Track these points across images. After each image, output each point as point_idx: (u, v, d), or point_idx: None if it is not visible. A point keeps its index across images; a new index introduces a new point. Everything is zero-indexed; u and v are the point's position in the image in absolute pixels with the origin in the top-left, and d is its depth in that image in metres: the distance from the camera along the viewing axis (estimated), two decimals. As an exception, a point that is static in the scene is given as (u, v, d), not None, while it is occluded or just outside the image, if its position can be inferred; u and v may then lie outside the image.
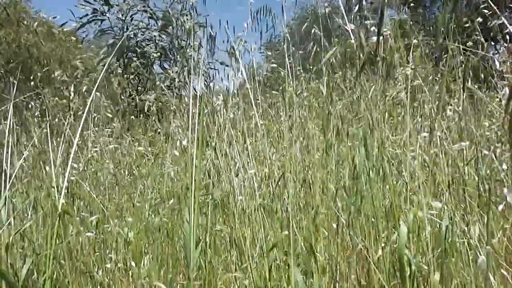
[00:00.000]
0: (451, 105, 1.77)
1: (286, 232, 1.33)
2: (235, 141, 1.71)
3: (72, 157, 1.95)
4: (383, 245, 1.32)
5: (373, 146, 1.36)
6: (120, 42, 6.02)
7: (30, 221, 1.60)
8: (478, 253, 1.20)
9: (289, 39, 2.14)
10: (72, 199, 1.84)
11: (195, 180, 0.81)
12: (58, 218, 0.78)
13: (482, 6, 1.94)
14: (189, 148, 1.66)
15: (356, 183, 1.41)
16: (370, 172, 1.31)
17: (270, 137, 2.17)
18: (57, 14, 11.46)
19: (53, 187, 1.42)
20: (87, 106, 0.97)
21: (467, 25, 2.02)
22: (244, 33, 2.00)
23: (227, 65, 2.04)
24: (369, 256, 1.38)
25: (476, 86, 1.98)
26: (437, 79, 2.04)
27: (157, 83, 5.26)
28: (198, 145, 0.81)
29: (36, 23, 6.84)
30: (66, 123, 1.89)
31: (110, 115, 2.48)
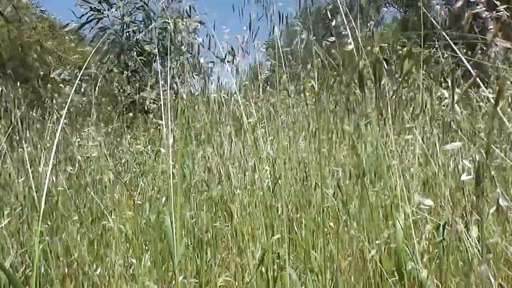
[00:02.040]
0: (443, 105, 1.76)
1: (278, 236, 1.33)
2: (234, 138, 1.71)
3: (69, 156, 1.95)
4: (380, 243, 1.32)
5: (373, 144, 1.36)
6: (113, 37, 6.02)
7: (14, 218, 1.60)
8: (477, 253, 1.20)
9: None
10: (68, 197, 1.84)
11: (177, 176, 0.81)
12: (43, 215, 0.78)
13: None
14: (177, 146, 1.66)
15: (358, 182, 1.40)
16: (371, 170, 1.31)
17: (271, 135, 2.17)
18: (58, 14, 11.49)
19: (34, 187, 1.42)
20: (66, 105, 0.97)
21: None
22: (245, 32, 2.00)
23: (228, 61, 2.04)
24: (368, 255, 1.38)
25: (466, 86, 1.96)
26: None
27: (157, 80, 5.25)
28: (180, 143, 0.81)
29: (36, 19, 6.85)
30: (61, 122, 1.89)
31: (110, 111, 2.48)
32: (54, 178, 1.61)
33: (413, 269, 1.00)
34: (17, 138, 1.87)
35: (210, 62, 2.28)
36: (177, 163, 0.77)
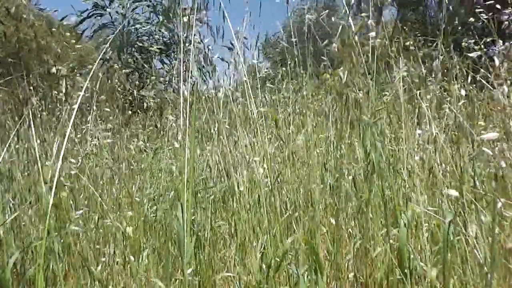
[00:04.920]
0: (449, 103, 1.77)
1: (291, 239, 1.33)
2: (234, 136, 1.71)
3: (69, 151, 1.94)
4: (382, 242, 1.32)
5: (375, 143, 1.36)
6: (115, 34, 6.00)
7: (18, 213, 1.60)
8: (476, 251, 1.21)
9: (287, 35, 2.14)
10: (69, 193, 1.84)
11: (189, 174, 0.81)
12: (50, 211, 0.78)
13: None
14: (184, 142, 1.66)
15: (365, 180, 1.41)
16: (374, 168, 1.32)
17: (269, 132, 2.17)
18: (59, 9, 11.43)
19: (46, 182, 1.42)
20: (79, 99, 0.97)
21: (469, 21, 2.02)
22: (244, 29, 1.99)
23: (227, 62, 2.04)
24: (368, 253, 1.38)
25: (472, 86, 1.98)
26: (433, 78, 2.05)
27: (157, 78, 5.25)
28: (191, 139, 0.81)
29: (34, 16, 6.82)
30: (63, 117, 1.89)
31: (108, 110, 2.48)
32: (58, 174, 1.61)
33: (419, 267, 1.01)
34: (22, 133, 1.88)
35: (213, 57, 2.28)
36: (190, 159, 0.77)
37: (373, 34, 0.96)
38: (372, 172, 1.28)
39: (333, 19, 1.85)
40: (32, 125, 1.59)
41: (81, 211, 1.63)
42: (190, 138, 0.85)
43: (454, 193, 0.88)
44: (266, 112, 1.94)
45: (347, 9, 1.34)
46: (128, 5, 6.35)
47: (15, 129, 1.77)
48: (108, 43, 5.91)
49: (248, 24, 2.03)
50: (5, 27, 6.40)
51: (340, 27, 1.36)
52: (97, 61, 1.14)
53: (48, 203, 1.15)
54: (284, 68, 2.32)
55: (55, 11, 7.44)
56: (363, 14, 1.21)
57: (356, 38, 1.18)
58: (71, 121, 0.81)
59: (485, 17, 1.79)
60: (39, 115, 2.04)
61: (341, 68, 1.45)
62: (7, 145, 1.63)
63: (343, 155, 1.81)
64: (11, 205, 1.69)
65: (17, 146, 2.02)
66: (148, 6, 6.48)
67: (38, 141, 1.82)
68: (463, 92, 1.27)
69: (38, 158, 1.45)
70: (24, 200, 1.69)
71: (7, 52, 6.35)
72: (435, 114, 1.54)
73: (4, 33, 6.28)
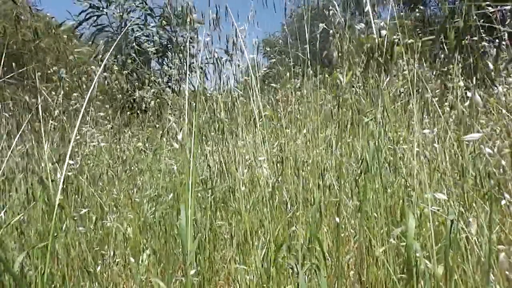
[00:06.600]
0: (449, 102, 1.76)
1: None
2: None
3: (69, 152, 1.93)
4: (385, 240, 1.32)
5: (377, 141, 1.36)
6: (118, 37, 6.00)
7: (22, 215, 1.60)
8: (477, 248, 1.20)
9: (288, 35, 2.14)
10: (67, 194, 1.83)
11: (192, 174, 0.81)
12: (54, 212, 0.77)
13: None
14: (186, 143, 1.66)
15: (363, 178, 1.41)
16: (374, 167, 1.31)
17: (269, 132, 2.17)
18: (54, 13, 11.42)
19: (48, 182, 1.42)
20: (85, 102, 0.96)
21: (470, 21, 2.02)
22: (245, 26, 1.98)
23: (227, 57, 2.03)
24: (371, 252, 1.38)
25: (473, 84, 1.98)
26: (435, 76, 2.04)
27: (155, 79, 5.25)
28: (193, 139, 0.81)
29: (32, 17, 6.80)
30: (61, 118, 1.89)
31: (107, 109, 2.47)
32: (57, 175, 1.60)
33: (425, 266, 1.00)
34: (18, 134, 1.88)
35: (209, 59, 2.27)
36: (191, 159, 0.77)
37: (384, 32, 0.95)
38: (367, 171, 1.28)
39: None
40: (31, 127, 1.59)
41: (84, 210, 1.62)
42: (191, 138, 0.85)
43: (442, 196, 0.89)
44: (267, 111, 1.93)
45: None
46: (126, 6, 6.35)
47: (19, 132, 1.77)
48: (104, 44, 5.90)
49: (251, 22, 2.03)
50: (4, 28, 6.38)
51: (340, 26, 1.36)
52: (102, 63, 1.14)
53: (51, 204, 1.14)
54: (283, 68, 2.32)
55: (52, 17, 7.41)
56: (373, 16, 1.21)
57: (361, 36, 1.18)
58: (77, 124, 0.81)
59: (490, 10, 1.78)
60: (39, 118, 2.04)
61: (339, 70, 1.45)
62: (11, 148, 1.63)
63: (342, 154, 1.81)
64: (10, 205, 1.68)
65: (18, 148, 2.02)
66: (144, 8, 6.47)
67: (42, 143, 1.82)
68: (469, 94, 1.26)
69: (42, 160, 1.44)
70: (26, 201, 1.68)
71: (6, 53, 6.32)
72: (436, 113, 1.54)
73: (3, 33, 6.26)
